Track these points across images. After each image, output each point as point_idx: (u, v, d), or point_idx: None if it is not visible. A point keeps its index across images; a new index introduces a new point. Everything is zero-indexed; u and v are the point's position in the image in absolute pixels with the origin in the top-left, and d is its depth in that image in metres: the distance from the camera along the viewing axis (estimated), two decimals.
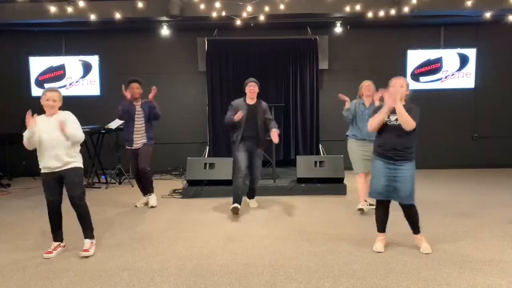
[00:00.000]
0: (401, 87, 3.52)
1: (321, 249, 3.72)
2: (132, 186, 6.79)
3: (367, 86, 5.01)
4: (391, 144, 3.51)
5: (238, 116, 4.80)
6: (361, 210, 4.98)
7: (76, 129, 3.62)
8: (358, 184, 5.09)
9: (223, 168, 6.03)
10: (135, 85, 5.35)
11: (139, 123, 5.41)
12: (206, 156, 7.71)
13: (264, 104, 5.14)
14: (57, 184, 3.66)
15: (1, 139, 8.03)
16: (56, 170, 3.61)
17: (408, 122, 3.40)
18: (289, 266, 3.34)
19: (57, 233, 3.81)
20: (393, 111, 3.51)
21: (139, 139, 5.41)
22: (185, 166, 6.56)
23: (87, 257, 3.62)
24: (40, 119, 3.61)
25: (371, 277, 3.11)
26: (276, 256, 3.58)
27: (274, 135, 4.85)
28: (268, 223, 4.64)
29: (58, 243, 3.81)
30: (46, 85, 8.24)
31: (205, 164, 6.23)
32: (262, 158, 5.20)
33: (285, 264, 3.38)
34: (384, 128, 3.57)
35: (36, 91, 8.26)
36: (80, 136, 3.65)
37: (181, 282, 3.09)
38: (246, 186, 5.23)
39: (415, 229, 3.68)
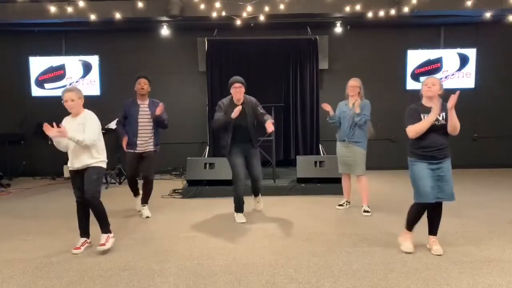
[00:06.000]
0: (433, 85, 3.69)
1: (321, 249, 3.72)
2: None
3: (352, 87, 4.84)
4: (436, 144, 3.45)
5: (236, 112, 4.36)
6: (340, 205, 5.23)
7: (89, 133, 3.60)
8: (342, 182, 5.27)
9: (223, 168, 6.02)
10: (142, 80, 4.82)
11: (144, 125, 4.78)
12: (206, 156, 7.71)
13: (252, 99, 4.71)
14: (81, 182, 3.72)
15: (1, 139, 8.04)
16: (79, 169, 3.70)
17: (457, 128, 3.40)
18: (289, 266, 3.34)
19: (83, 230, 3.86)
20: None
21: (145, 145, 4.81)
22: (185, 166, 6.56)
23: (104, 251, 3.68)
24: (65, 120, 3.73)
25: (371, 277, 3.10)
26: (276, 256, 3.57)
27: (269, 124, 4.44)
28: (268, 223, 4.64)
29: (85, 239, 3.85)
30: (46, 85, 8.28)
31: (205, 164, 6.24)
32: (259, 156, 4.88)
33: (285, 264, 3.38)
34: (427, 129, 3.46)
35: (36, 91, 8.29)
36: (88, 141, 3.56)
37: (181, 282, 3.09)
38: (248, 186, 5.03)
39: (436, 229, 3.65)
